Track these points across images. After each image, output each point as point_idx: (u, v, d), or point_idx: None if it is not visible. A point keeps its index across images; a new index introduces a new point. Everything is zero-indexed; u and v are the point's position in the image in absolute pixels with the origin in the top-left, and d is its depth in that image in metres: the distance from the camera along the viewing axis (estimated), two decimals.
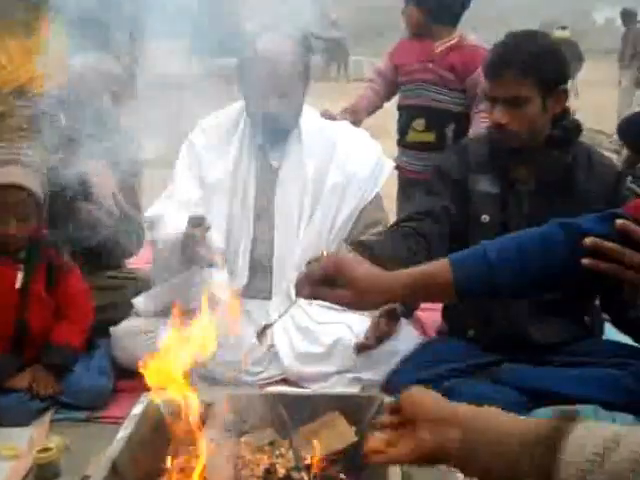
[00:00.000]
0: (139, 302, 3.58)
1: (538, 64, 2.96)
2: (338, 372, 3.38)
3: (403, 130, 4.49)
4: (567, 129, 3.10)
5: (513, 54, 3.00)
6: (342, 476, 2.40)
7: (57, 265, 3.41)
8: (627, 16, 15.91)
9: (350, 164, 3.66)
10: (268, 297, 3.66)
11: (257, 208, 3.65)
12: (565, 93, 3.06)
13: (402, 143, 4.54)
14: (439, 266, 1.94)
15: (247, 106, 3.64)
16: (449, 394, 2.98)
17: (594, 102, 11.51)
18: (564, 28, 13.87)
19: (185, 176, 3.69)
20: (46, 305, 3.38)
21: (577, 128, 3.13)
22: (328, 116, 3.98)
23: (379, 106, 4.60)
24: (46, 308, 3.38)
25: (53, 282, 3.40)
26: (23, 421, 3.15)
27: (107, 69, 3.97)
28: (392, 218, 3.85)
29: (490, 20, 16.78)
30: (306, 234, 3.61)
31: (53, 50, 3.93)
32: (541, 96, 2.98)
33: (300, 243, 3.61)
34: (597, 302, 3.24)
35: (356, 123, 4.17)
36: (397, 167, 4.49)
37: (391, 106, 4.67)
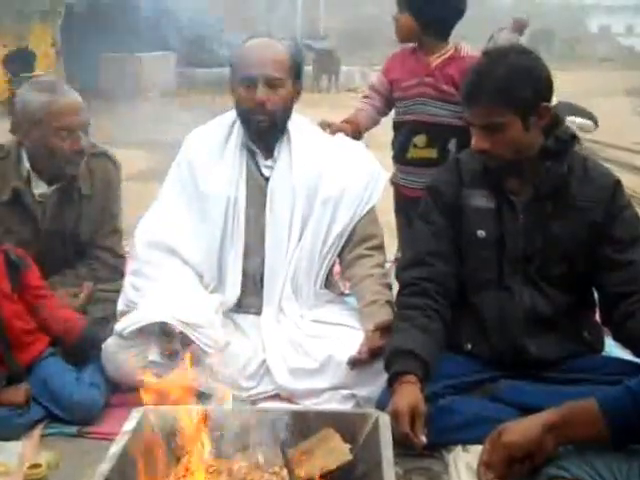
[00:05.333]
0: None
1: (512, 89, 2.92)
2: (332, 388, 3.37)
3: (402, 147, 4.35)
4: (561, 139, 3.08)
5: (485, 81, 2.96)
6: None
7: (16, 260, 3.44)
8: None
9: (344, 176, 3.65)
10: (259, 312, 3.66)
11: (248, 220, 3.64)
12: (547, 109, 3.01)
13: (401, 161, 4.39)
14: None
15: (237, 104, 3.63)
16: (445, 412, 3.02)
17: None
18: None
19: (175, 196, 3.72)
20: (15, 302, 3.39)
21: (571, 138, 3.11)
22: (326, 126, 3.96)
23: (377, 121, 4.50)
24: (17, 306, 3.39)
25: (16, 280, 3.42)
26: (12, 436, 3.14)
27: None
28: (386, 234, 3.84)
29: (481, 29, 16.80)
30: (298, 249, 3.61)
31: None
32: (520, 118, 2.95)
33: (292, 258, 3.61)
34: (597, 317, 3.23)
35: (356, 137, 4.10)
36: (394, 185, 4.45)
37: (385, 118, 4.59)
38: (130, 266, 3.74)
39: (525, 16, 16.09)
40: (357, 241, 3.66)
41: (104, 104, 12.74)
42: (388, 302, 3.46)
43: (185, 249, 3.64)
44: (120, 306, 3.61)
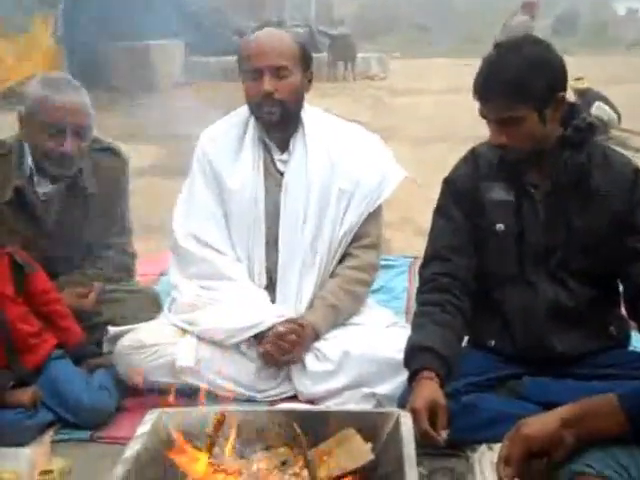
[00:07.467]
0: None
1: (526, 83, 2.92)
2: (351, 386, 3.41)
3: None
4: (579, 129, 3.08)
5: (498, 74, 2.97)
6: None
7: (22, 263, 3.48)
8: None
9: (358, 171, 3.67)
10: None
11: (267, 216, 3.67)
12: (563, 99, 3.01)
13: None
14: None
15: (246, 96, 3.65)
16: (468, 409, 3.04)
17: (618, 99, 11.37)
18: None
19: (203, 191, 3.72)
20: (20, 305, 3.44)
21: (590, 127, 3.11)
22: None
23: None
24: (21, 308, 3.44)
25: (21, 283, 3.47)
26: (22, 440, 3.18)
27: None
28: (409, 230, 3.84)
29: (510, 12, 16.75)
30: (318, 244, 3.64)
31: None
32: (536, 110, 2.96)
33: (313, 259, 3.65)
34: (623, 311, 3.22)
35: None
36: None
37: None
38: (176, 260, 3.76)
39: None
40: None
41: (110, 95, 12.74)
42: (332, 306, 3.58)
43: (224, 246, 3.69)
44: (187, 298, 3.66)
